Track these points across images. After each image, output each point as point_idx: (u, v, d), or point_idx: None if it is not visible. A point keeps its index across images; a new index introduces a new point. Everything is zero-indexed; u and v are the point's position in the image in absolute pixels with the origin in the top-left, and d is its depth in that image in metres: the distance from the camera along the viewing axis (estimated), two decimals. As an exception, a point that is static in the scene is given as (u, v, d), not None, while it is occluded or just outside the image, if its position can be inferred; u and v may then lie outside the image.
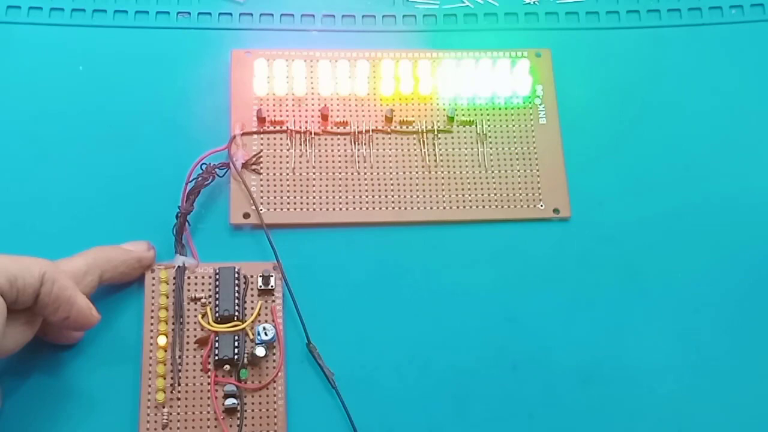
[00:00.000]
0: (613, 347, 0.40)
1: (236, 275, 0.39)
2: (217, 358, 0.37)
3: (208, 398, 0.37)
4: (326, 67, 0.44)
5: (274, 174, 0.42)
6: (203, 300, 0.38)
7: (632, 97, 0.46)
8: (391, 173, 0.43)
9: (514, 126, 0.44)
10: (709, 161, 0.45)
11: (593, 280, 0.42)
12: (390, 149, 0.43)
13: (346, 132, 0.43)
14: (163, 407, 0.37)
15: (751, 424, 0.39)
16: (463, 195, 0.42)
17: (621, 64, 0.47)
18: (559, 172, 0.43)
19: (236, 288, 0.38)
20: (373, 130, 0.43)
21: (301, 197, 0.42)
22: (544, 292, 0.41)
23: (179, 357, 0.37)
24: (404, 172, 0.43)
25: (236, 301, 0.38)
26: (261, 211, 0.41)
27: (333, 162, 0.42)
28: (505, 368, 0.39)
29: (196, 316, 0.38)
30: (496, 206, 0.42)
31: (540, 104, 0.45)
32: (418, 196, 0.42)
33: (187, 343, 0.38)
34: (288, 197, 0.42)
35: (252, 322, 0.38)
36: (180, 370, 0.37)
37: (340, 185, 0.42)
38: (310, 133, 0.43)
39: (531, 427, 0.38)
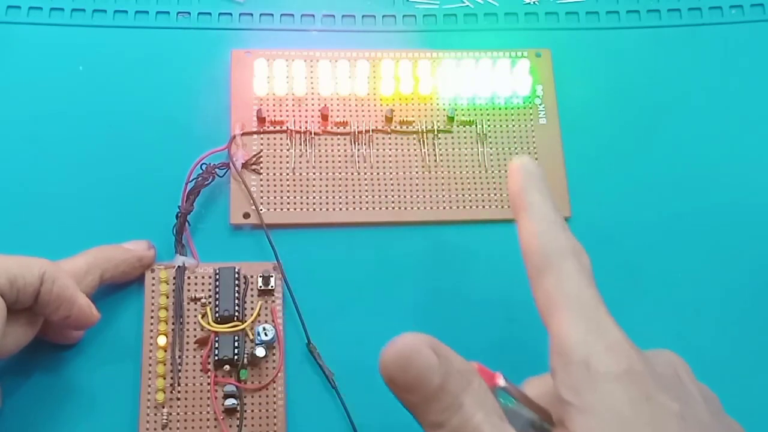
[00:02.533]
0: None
1: (236, 275, 0.38)
2: (216, 358, 0.37)
3: (208, 398, 0.37)
4: (326, 67, 0.44)
5: (274, 174, 0.42)
6: (203, 300, 0.38)
7: (632, 97, 0.46)
8: (391, 173, 0.43)
9: (514, 126, 0.44)
10: (709, 161, 0.45)
11: (593, 280, 0.41)
12: (390, 149, 0.43)
13: (346, 132, 0.43)
14: (163, 407, 0.37)
15: (752, 425, 0.39)
16: (463, 195, 0.42)
17: (621, 64, 0.47)
18: (559, 172, 0.43)
19: (236, 288, 0.38)
20: (373, 130, 0.43)
21: (301, 197, 0.42)
22: (544, 292, 0.41)
23: (179, 357, 0.37)
24: (404, 172, 0.43)
25: (236, 301, 0.38)
26: (261, 211, 0.41)
27: (333, 162, 0.42)
28: (506, 368, 0.39)
29: (196, 316, 0.38)
30: (496, 206, 0.42)
31: (540, 104, 0.45)
32: (418, 196, 0.42)
33: (187, 343, 0.38)
34: (288, 197, 0.42)
35: (252, 322, 0.38)
36: (180, 370, 0.37)
37: (340, 185, 0.42)
38: (310, 133, 0.43)
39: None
